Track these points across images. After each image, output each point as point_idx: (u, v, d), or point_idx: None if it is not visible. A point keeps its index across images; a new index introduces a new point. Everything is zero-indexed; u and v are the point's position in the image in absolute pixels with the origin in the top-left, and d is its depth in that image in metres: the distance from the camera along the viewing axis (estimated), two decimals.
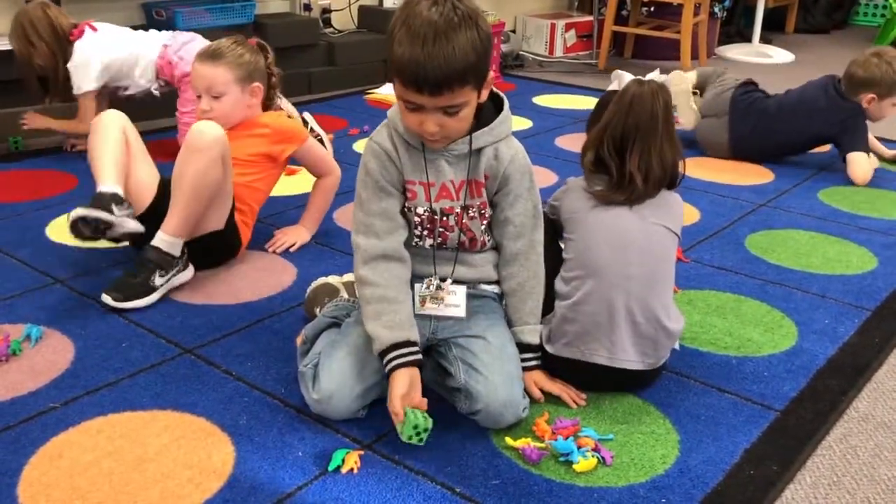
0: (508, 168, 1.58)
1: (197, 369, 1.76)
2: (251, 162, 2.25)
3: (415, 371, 1.52)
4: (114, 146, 2.09)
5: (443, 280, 1.64)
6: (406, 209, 1.61)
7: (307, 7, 4.38)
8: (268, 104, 2.37)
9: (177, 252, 2.03)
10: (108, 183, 2.03)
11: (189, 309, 2.01)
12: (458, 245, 1.64)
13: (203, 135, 1.99)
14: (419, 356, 1.54)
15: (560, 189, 1.79)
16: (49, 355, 1.79)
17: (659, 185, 1.68)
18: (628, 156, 1.65)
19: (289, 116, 3.06)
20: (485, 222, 1.63)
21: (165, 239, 2.02)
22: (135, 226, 2.04)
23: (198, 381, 1.71)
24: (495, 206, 1.63)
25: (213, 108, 2.21)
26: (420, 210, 1.60)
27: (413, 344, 1.54)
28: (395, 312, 1.55)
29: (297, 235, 2.39)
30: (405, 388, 1.49)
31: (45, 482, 1.41)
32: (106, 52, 2.94)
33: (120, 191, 2.03)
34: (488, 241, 1.66)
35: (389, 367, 1.51)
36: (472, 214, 1.61)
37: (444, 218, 1.61)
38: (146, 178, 2.15)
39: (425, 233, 1.62)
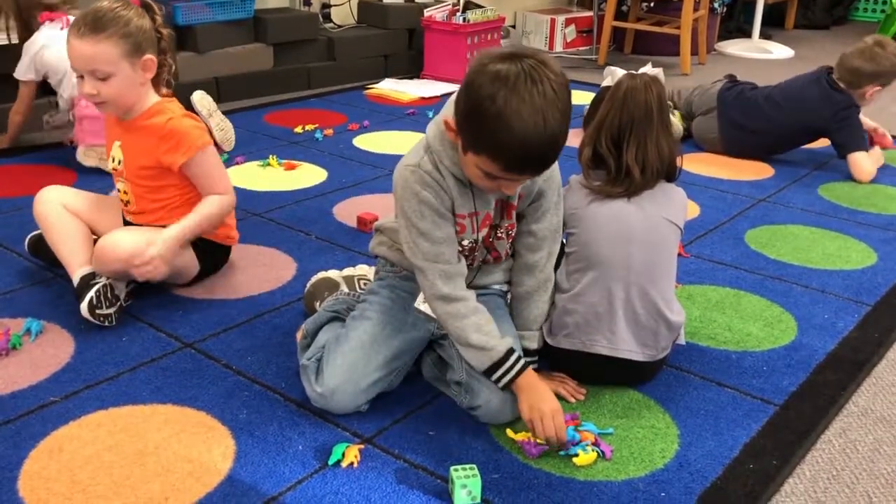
0: (543, 185, 1.57)
1: (197, 363, 1.76)
2: (166, 186, 1.97)
3: (535, 374, 1.53)
4: (66, 235, 1.97)
5: None
6: None
7: (307, 2, 4.37)
8: (161, 74, 1.98)
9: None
10: (76, 271, 1.92)
11: (189, 303, 2.01)
12: (482, 262, 1.64)
13: (115, 251, 1.84)
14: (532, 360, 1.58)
15: (564, 187, 1.80)
16: (49, 349, 1.79)
17: (657, 177, 1.69)
18: (625, 149, 1.66)
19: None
20: (510, 241, 1.63)
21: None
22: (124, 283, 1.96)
23: (198, 376, 1.71)
24: (521, 217, 1.62)
25: (99, 92, 1.85)
26: (465, 242, 1.58)
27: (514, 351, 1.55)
28: (490, 322, 1.53)
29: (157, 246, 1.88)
30: (549, 393, 1.51)
31: (45, 476, 1.41)
32: (48, 46, 2.80)
33: (90, 269, 1.92)
34: (510, 252, 1.66)
35: (517, 368, 1.50)
36: (499, 235, 1.61)
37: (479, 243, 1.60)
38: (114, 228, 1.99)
39: (463, 258, 1.61)
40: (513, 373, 1.50)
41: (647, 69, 1.75)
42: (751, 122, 3.20)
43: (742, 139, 3.24)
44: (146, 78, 1.91)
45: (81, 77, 1.87)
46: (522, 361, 1.52)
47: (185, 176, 1.96)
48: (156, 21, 1.93)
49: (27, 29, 2.89)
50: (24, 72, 2.87)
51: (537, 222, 1.61)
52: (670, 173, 1.72)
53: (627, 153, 1.66)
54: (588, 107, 1.83)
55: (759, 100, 3.19)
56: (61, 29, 2.81)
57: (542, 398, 1.49)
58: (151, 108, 1.95)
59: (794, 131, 3.17)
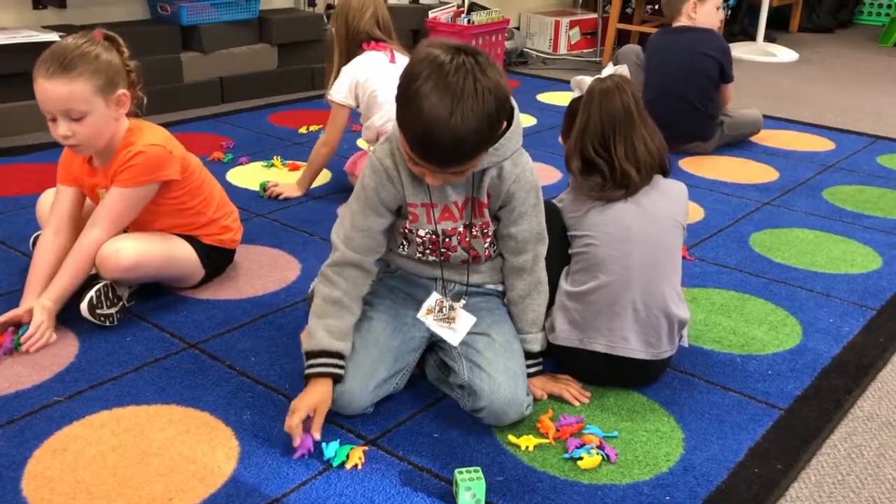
0: (512, 187, 1.56)
1: (201, 364, 1.75)
2: (156, 205, 1.94)
3: (330, 385, 1.52)
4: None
5: (456, 299, 1.63)
6: (407, 231, 1.60)
7: (312, 3, 4.37)
8: (132, 109, 1.91)
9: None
10: None
11: (193, 304, 2.01)
12: (461, 262, 1.63)
13: (117, 259, 1.84)
14: (342, 371, 1.53)
15: (565, 191, 1.80)
16: (53, 349, 1.79)
17: (651, 172, 1.70)
18: (614, 152, 1.66)
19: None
20: (488, 240, 1.62)
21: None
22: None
23: (202, 376, 1.71)
24: (498, 220, 1.61)
25: (74, 133, 1.77)
26: (422, 232, 1.59)
27: (342, 358, 1.54)
28: (340, 319, 1.55)
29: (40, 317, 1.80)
30: (318, 397, 1.49)
31: (49, 476, 1.41)
32: (365, 72, 2.58)
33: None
34: (493, 251, 1.65)
35: (312, 371, 1.51)
36: (475, 234, 1.60)
37: (447, 239, 1.59)
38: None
39: (428, 251, 1.62)
40: (312, 370, 1.52)
41: (610, 69, 1.75)
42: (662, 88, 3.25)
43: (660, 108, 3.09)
44: (120, 114, 1.85)
45: (53, 120, 1.78)
46: (324, 370, 1.51)
47: (170, 187, 1.93)
48: (122, 54, 1.86)
49: (349, 56, 2.65)
50: (343, 96, 2.61)
51: (515, 225, 1.60)
52: (663, 166, 1.72)
53: (618, 155, 1.66)
54: (563, 121, 1.82)
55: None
56: (389, 62, 2.60)
57: (301, 398, 1.49)
58: (120, 147, 1.87)
59: (697, 74, 3.27)
